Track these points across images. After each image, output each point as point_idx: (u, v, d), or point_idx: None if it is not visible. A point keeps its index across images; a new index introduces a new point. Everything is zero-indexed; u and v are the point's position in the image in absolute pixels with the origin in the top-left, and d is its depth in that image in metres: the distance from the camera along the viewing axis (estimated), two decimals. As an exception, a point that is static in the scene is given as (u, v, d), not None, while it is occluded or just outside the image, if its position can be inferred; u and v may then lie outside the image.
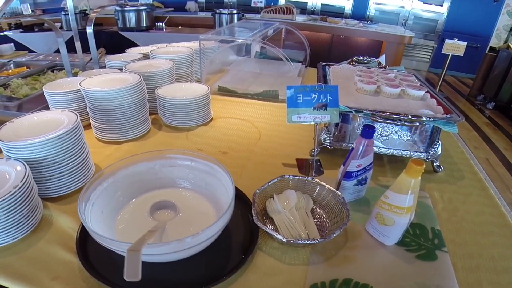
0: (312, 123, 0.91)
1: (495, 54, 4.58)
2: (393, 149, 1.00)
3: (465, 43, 4.29)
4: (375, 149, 0.99)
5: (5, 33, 3.66)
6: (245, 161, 1.02)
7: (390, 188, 0.67)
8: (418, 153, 1.00)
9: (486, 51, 5.00)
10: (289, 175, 0.84)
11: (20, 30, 3.87)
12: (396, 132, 0.99)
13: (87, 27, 1.44)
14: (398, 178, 0.65)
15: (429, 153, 1.00)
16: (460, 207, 0.89)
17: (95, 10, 1.47)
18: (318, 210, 0.81)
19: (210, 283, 0.59)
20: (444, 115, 0.92)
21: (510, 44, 4.56)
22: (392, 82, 1.12)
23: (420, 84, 1.16)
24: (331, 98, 0.89)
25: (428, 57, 6.13)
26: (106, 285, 0.58)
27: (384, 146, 1.00)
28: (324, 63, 1.39)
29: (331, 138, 1.03)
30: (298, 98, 0.90)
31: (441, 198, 0.91)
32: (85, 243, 0.67)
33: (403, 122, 0.87)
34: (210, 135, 1.17)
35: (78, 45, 1.50)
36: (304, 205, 0.78)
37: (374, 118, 0.91)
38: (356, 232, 0.76)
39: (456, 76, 6.12)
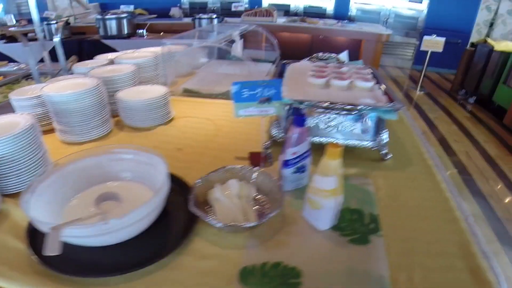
0: (258, 116, 0.95)
1: (474, 49, 4.67)
2: (340, 139, 1.04)
3: (443, 39, 4.38)
4: (322, 139, 1.03)
5: (-11, 44, 3.68)
6: (199, 157, 1.06)
7: (315, 172, 0.71)
8: (364, 142, 1.04)
9: (467, 47, 5.09)
10: (234, 166, 0.88)
11: (4, 41, 3.88)
12: (342, 122, 1.03)
13: (54, 36, 1.48)
14: (320, 162, 0.69)
15: (376, 141, 1.04)
16: (404, 192, 0.92)
17: (61, 19, 1.51)
18: (262, 198, 0.84)
19: (144, 264, 0.63)
20: (386, 104, 0.96)
21: (487, 38, 4.65)
22: (342, 75, 1.17)
23: (373, 77, 1.21)
24: (274, 91, 0.93)
25: (411, 54, 6.22)
26: (49, 269, 0.62)
27: (333, 137, 1.05)
28: (285, 61, 1.43)
29: (282, 131, 1.07)
30: (244, 93, 0.93)
31: (385, 185, 0.94)
32: (34, 233, 0.71)
33: (340, 111, 0.91)
34: (169, 134, 1.21)
35: (45, 54, 1.54)
36: (246, 194, 0.82)
37: (316, 109, 0.95)
38: (294, 218, 0.80)
39: (439, 73, 6.21)
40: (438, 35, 4.61)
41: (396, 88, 5.32)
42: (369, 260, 0.69)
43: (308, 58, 1.49)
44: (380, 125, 1.03)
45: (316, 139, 1.04)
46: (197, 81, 1.69)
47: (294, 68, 1.37)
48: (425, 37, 4.49)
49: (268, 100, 0.94)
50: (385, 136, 1.04)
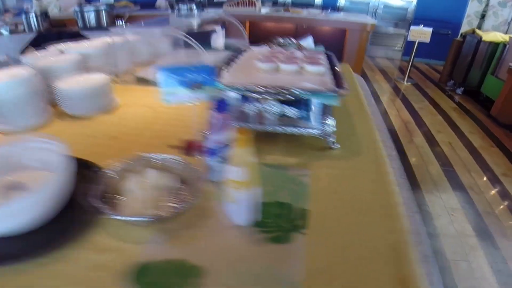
0: (189, 102, 0.89)
1: (463, 40, 4.60)
2: (283, 126, 0.98)
3: (430, 29, 4.30)
4: (266, 128, 0.97)
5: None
6: (131, 145, 1.00)
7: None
8: (309, 129, 0.98)
9: (458, 38, 5.02)
10: (154, 154, 0.82)
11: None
12: (285, 110, 0.97)
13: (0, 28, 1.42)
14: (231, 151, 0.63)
15: (320, 129, 0.98)
16: (344, 184, 0.84)
17: (7, 15, 1.44)
18: (186, 190, 0.78)
19: (32, 257, 0.59)
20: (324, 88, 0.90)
21: (475, 29, 4.58)
22: (293, 60, 1.11)
23: (329, 62, 1.15)
24: (206, 76, 0.87)
25: (401, 45, 6.14)
26: None
27: (276, 125, 0.98)
28: (243, 47, 1.37)
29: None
30: (173, 78, 0.87)
31: (326, 176, 0.87)
32: None
33: (274, 96, 0.85)
34: (110, 122, 1.15)
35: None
36: (164, 184, 0.76)
37: (249, 94, 0.89)
38: (215, 212, 0.73)
39: (429, 64, 6.15)
40: (428, 26, 4.53)
41: (383, 79, 5.26)
42: (286, 261, 0.62)
43: (267, 44, 1.42)
44: (325, 112, 0.97)
45: (261, 128, 0.98)
46: (154, 70, 1.62)
47: (251, 53, 1.32)
48: (412, 27, 4.41)
49: (199, 85, 0.87)
50: (330, 123, 0.97)
